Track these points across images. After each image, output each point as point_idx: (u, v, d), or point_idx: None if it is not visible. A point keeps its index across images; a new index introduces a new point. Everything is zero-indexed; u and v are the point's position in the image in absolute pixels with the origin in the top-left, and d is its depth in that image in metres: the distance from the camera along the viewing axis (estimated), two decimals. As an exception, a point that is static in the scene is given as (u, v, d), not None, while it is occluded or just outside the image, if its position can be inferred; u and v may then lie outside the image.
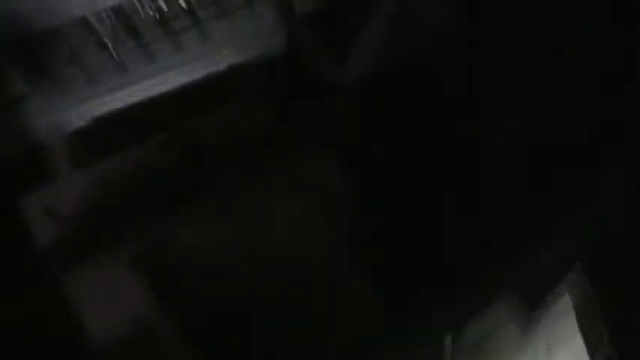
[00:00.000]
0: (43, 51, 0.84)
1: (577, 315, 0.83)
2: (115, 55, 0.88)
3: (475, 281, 0.89)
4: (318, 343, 0.89)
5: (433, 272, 0.91)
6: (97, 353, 0.84)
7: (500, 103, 0.85)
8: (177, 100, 0.90)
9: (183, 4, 0.90)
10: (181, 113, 0.90)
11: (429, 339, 0.91)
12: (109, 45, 0.88)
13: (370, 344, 0.89)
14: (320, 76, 0.95)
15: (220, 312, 0.87)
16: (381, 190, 0.95)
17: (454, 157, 0.91)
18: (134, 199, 0.87)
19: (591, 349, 0.82)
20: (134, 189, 0.88)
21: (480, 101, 0.87)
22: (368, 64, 0.92)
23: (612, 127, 0.77)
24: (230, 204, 0.89)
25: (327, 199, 0.92)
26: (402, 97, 0.91)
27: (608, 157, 0.78)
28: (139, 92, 0.89)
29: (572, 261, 0.83)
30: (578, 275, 0.82)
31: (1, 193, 0.83)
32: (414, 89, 0.90)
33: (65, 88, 0.86)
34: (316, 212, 0.91)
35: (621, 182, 0.77)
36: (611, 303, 0.80)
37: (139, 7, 0.88)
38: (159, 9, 0.90)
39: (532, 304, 0.89)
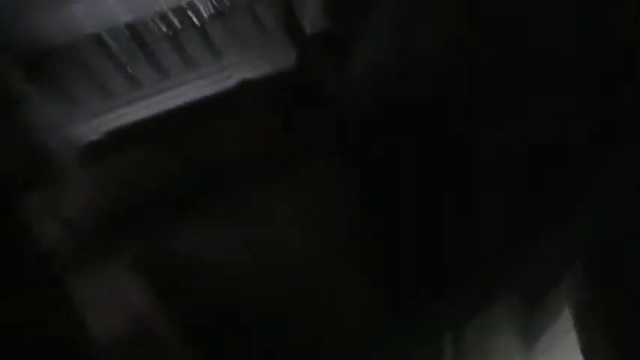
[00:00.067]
0: (59, 66, 0.85)
1: (577, 315, 0.83)
2: (128, 70, 0.90)
3: (475, 281, 0.89)
4: (318, 343, 0.89)
5: (433, 272, 0.91)
6: (98, 354, 0.84)
7: (500, 103, 0.85)
8: (188, 113, 0.92)
9: (196, 22, 0.92)
10: (191, 125, 0.92)
11: (429, 339, 0.91)
12: (123, 61, 0.90)
13: (370, 344, 0.89)
14: (325, 90, 0.96)
15: (222, 315, 0.87)
16: (382, 190, 0.95)
17: (454, 157, 0.91)
18: (141, 205, 0.88)
19: (591, 349, 0.82)
20: (142, 195, 0.89)
21: (480, 101, 0.87)
22: (370, 79, 0.94)
23: (612, 127, 0.77)
24: (235, 210, 0.90)
25: (329, 203, 0.93)
26: (402, 100, 0.92)
27: (608, 157, 0.78)
28: (151, 106, 0.92)
29: (572, 261, 0.83)
30: (578, 275, 0.82)
31: (8, 196, 0.83)
32: (414, 92, 0.91)
33: (79, 102, 0.88)
34: (318, 216, 0.92)
35: (621, 182, 0.77)
36: (611, 303, 0.80)
37: (151, 24, 0.91)
38: (171, 26, 0.92)
39: (532, 304, 0.89)
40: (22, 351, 0.80)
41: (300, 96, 0.97)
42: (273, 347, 0.87)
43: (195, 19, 0.93)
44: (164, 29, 0.92)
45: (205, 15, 0.94)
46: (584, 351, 0.83)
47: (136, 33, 0.90)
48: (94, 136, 0.89)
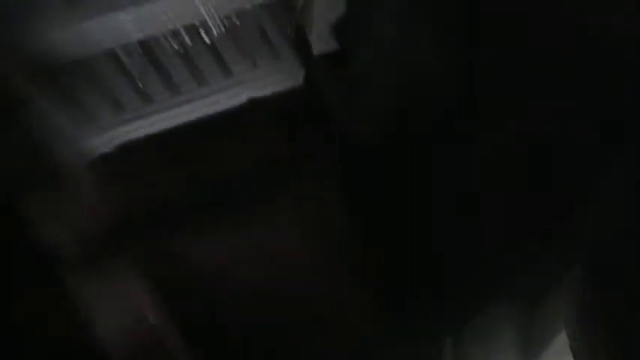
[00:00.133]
0: (72, 79, 0.87)
1: (577, 315, 0.83)
2: (140, 86, 0.92)
3: (475, 281, 0.89)
4: (318, 344, 0.89)
5: (433, 272, 0.91)
6: (98, 356, 0.84)
7: (500, 103, 0.85)
8: (197, 128, 0.94)
9: (207, 40, 0.95)
10: (199, 140, 0.95)
11: (429, 339, 0.91)
12: (135, 76, 0.92)
13: (370, 345, 0.89)
14: (331, 108, 0.99)
15: (223, 318, 0.88)
16: (382, 191, 0.95)
17: (454, 157, 0.91)
18: (147, 213, 0.90)
19: (591, 349, 0.82)
20: (149, 204, 0.90)
21: (480, 101, 0.87)
22: (376, 101, 0.96)
23: (612, 127, 0.77)
24: (239, 217, 0.92)
25: (330, 209, 0.94)
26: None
27: (608, 157, 0.78)
28: (161, 121, 0.94)
29: (572, 261, 0.83)
30: (578, 275, 0.82)
31: (10, 196, 0.84)
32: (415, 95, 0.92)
33: (92, 115, 0.89)
34: (319, 222, 0.94)
35: (621, 182, 0.77)
36: (611, 303, 0.80)
37: (163, 41, 0.93)
38: (183, 43, 0.95)
39: (532, 304, 0.89)
40: (22, 351, 0.80)
41: (307, 113, 0.99)
42: (273, 348, 0.88)
43: (206, 37, 0.96)
44: (176, 46, 0.94)
45: (216, 33, 0.96)
46: (583, 351, 0.83)
47: (148, 49, 0.92)
48: (106, 149, 0.91)
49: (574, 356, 0.83)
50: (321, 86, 1.00)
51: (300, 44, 0.99)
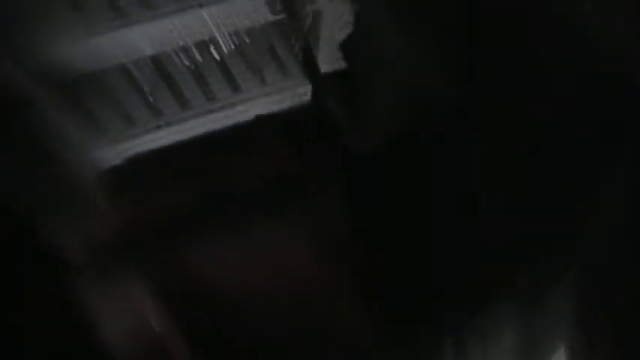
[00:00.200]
0: (85, 93, 0.90)
1: (577, 315, 0.83)
2: (151, 100, 0.95)
3: (475, 281, 0.89)
4: (319, 344, 0.89)
5: (433, 272, 0.91)
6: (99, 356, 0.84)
7: (501, 103, 0.85)
8: (207, 144, 0.97)
9: (216, 56, 0.98)
10: (209, 155, 0.98)
11: (429, 340, 0.91)
12: (146, 91, 0.95)
13: (372, 351, 0.90)
14: (338, 126, 1.03)
15: (229, 330, 0.88)
16: (382, 193, 0.95)
17: (454, 160, 0.91)
18: (157, 226, 0.93)
19: (591, 349, 0.82)
20: (158, 218, 0.93)
21: (480, 102, 0.88)
22: (380, 116, 0.98)
23: (612, 127, 0.77)
24: (247, 235, 0.95)
25: (335, 220, 0.96)
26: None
27: (608, 157, 0.78)
28: (172, 135, 0.96)
29: (572, 261, 0.83)
30: (577, 275, 0.82)
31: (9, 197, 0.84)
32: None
33: (103, 128, 0.92)
34: (325, 234, 0.95)
35: (621, 182, 0.77)
36: (611, 303, 0.80)
37: (174, 57, 0.96)
38: (193, 60, 0.97)
39: (531, 304, 0.89)
40: (22, 351, 0.80)
41: (314, 129, 1.02)
42: (276, 356, 0.88)
43: (215, 54, 0.98)
44: (186, 62, 0.97)
45: (226, 50, 0.99)
46: (584, 351, 0.83)
47: (159, 64, 0.95)
48: (116, 161, 0.93)
49: (574, 356, 0.83)
50: (328, 103, 1.02)
51: (308, 62, 1.02)
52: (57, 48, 0.84)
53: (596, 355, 0.81)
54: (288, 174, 0.99)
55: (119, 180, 0.92)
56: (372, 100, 1.01)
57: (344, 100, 1.03)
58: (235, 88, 1.01)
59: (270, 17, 0.98)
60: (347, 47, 1.01)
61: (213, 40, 0.99)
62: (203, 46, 0.98)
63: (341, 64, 1.02)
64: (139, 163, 0.94)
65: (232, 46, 1.00)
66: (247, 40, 1.01)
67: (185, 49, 0.97)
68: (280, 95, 1.02)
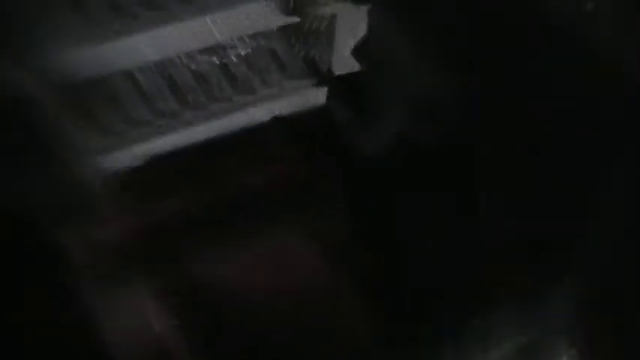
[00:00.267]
0: (91, 97, 0.90)
1: (577, 315, 0.83)
2: (158, 105, 0.95)
3: (475, 281, 0.89)
4: (323, 354, 0.90)
5: (433, 272, 0.91)
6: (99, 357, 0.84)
7: (501, 103, 0.86)
8: (215, 147, 0.98)
9: (217, 62, 0.99)
10: (217, 159, 0.98)
11: (429, 340, 0.91)
12: (153, 95, 0.95)
13: (372, 351, 0.90)
14: (347, 130, 1.04)
15: (231, 333, 0.89)
16: (383, 192, 0.95)
17: (454, 158, 0.91)
18: (162, 228, 0.93)
19: (591, 349, 0.82)
20: (164, 221, 0.94)
21: (480, 102, 0.88)
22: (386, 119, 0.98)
23: (612, 127, 0.77)
24: (253, 238, 0.95)
25: (341, 226, 0.96)
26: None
27: (608, 157, 0.78)
28: (179, 139, 0.97)
29: (571, 261, 0.83)
30: (577, 276, 0.82)
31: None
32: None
33: (109, 132, 0.92)
34: (330, 241, 0.96)
35: (621, 182, 0.77)
36: (611, 303, 0.80)
37: (179, 63, 0.97)
38: (203, 63, 0.98)
39: (531, 304, 0.89)
40: (22, 351, 0.80)
41: (324, 132, 1.03)
42: (278, 357, 0.88)
43: (226, 57, 1.00)
44: (194, 66, 0.98)
45: (238, 53, 1.00)
46: (584, 351, 0.83)
47: (164, 70, 0.96)
48: (123, 165, 0.93)
49: (574, 356, 0.83)
50: (340, 107, 1.02)
51: (323, 66, 1.03)
52: (63, 53, 0.84)
53: (596, 354, 0.81)
54: (297, 177, 1.00)
55: (125, 183, 0.92)
56: (378, 102, 1.01)
57: (353, 102, 1.04)
58: (247, 90, 1.02)
59: (283, 20, 0.97)
60: (360, 51, 1.01)
61: (225, 44, 0.99)
62: (214, 50, 0.98)
63: (355, 67, 1.03)
64: (146, 166, 0.94)
65: (245, 50, 1.01)
66: (259, 43, 1.01)
67: (190, 55, 0.97)
68: (291, 99, 1.03)
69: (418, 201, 0.94)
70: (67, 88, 0.85)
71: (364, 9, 0.98)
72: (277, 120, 1.02)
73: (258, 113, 1.02)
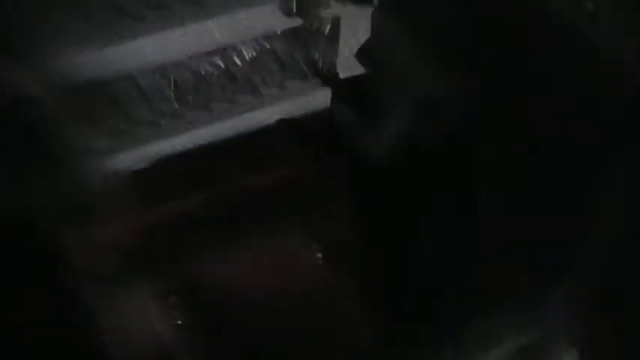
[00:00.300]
0: (94, 98, 0.91)
1: (577, 315, 0.83)
2: (164, 107, 0.96)
3: (475, 281, 0.89)
4: (322, 344, 0.89)
5: (433, 272, 0.91)
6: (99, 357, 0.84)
7: (501, 103, 0.86)
8: (223, 148, 0.99)
9: (220, 64, 0.99)
10: (225, 160, 0.99)
11: (429, 340, 0.91)
12: (159, 97, 0.96)
13: (372, 351, 0.90)
14: (351, 132, 1.05)
15: (232, 332, 0.89)
16: (384, 193, 0.96)
17: (455, 158, 0.91)
18: (166, 230, 0.94)
19: (591, 349, 0.82)
20: (169, 222, 0.94)
21: (480, 103, 0.88)
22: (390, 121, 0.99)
23: (612, 127, 0.77)
24: (257, 239, 0.96)
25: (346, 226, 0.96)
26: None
27: (608, 157, 0.78)
28: (186, 140, 0.98)
29: (571, 261, 0.83)
30: (577, 276, 0.82)
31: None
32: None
33: (113, 134, 0.93)
34: (334, 242, 0.96)
35: (621, 182, 0.77)
36: (611, 303, 0.80)
37: (182, 66, 0.97)
38: (200, 68, 0.99)
39: (531, 304, 0.89)
40: (22, 351, 0.80)
41: (331, 134, 1.04)
42: (278, 357, 0.89)
43: (223, 62, 1.00)
44: (202, 69, 0.98)
45: (245, 57, 1.01)
46: (584, 351, 0.83)
47: (166, 72, 0.96)
48: (127, 167, 0.94)
49: (574, 356, 0.83)
50: (345, 108, 1.02)
51: (326, 68, 1.03)
52: (64, 53, 0.84)
53: (596, 354, 0.81)
54: (304, 178, 1.00)
55: (131, 184, 0.92)
56: (379, 102, 1.02)
57: (356, 103, 1.04)
58: (250, 93, 1.02)
59: (286, 23, 0.97)
60: (365, 53, 1.01)
61: (228, 46, 0.99)
62: (218, 52, 0.98)
63: (359, 69, 1.03)
64: (152, 168, 0.95)
65: (248, 52, 1.01)
66: (262, 46, 1.01)
67: (198, 56, 0.97)
68: (298, 101, 1.04)
69: (418, 201, 0.94)
70: (68, 88, 0.85)
71: (367, 11, 0.98)
72: (281, 122, 1.02)
73: (262, 115, 1.02)
